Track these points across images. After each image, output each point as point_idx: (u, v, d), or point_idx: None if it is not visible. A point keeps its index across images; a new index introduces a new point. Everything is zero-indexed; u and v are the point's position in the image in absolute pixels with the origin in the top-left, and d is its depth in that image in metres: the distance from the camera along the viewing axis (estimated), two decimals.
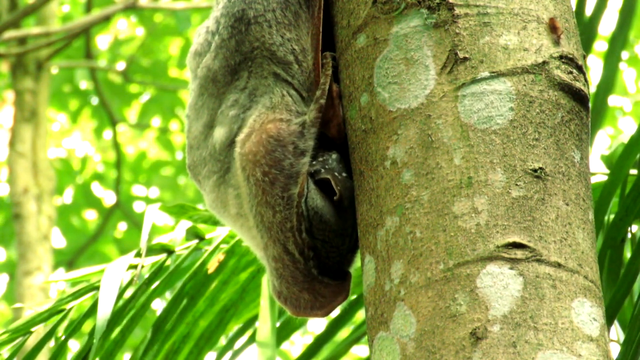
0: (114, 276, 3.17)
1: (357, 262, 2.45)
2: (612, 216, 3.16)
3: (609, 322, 2.92)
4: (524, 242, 2.16)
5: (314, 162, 2.40)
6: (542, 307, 2.13)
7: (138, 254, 3.31)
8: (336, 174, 2.37)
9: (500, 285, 2.14)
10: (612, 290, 2.99)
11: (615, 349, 3.12)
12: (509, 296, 2.13)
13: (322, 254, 2.39)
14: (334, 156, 2.39)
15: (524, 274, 2.15)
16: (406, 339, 2.17)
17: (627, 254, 3.20)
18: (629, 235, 3.17)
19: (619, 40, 3.82)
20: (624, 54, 10.58)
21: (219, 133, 2.49)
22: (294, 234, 2.38)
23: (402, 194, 2.24)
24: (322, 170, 2.38)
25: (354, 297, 3.43)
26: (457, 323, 2.13)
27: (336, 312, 3.53)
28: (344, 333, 3.99)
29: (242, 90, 2.48)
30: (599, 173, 3.41)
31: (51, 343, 3.32)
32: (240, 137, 2.44)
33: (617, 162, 3.03)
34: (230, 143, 2.48)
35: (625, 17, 3.85)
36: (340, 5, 2.40)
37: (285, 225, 2.38)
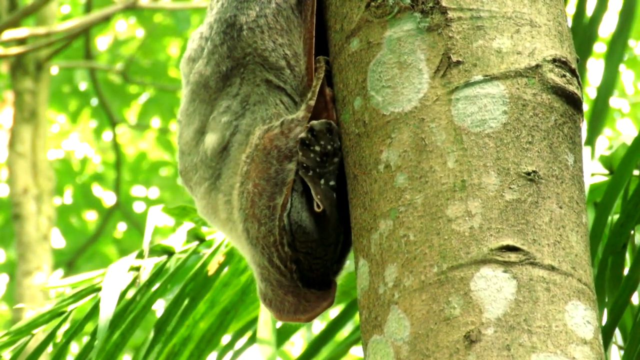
0: (115, 277, 3.17)
1: (344, 271, 2.45)
2: (615, 216, 3.16)
3: (611, 327, 2.92)
4: (518, 245, 2.17)
5: (310, 150, 2.37)
6: (536, 310, 2.13)
7: (139, 256, 3.32)
8: (322, 181, 2.36)
9: (494, 289, 2.14)
10: (614, 295, 2.98)
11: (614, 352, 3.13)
12: (503, 299, 2.13)
13: (305, 266, 2.39)
14: (336, 160, 2.38)
15: (518, 277, 2.15)
16: (400, 342, 2.17)
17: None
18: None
19: (619, 42, 3.82)
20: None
21: (211, 139, 2.49)
22: (277, 248, 2.37)
23: (396, 197, 2.24)
24: (310, 172, 2.37)
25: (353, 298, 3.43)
26: (451, 326, 2.13)
27: (336, 313, 3.53)
28: (344, 333, 4.00)
29: (234, 96, 2.47)
30: (599, 174, 3.41)
31: (52, 345, 3.32)
32: (242, 157, 2.44)
33: (621, 164, 3.02)
34: (222, 150, 2.48)
35: (625, 19, 3.85)
36: (333, 10, 2.40)
37: (268, 239, 2.38)
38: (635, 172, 3.18)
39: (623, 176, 3.01)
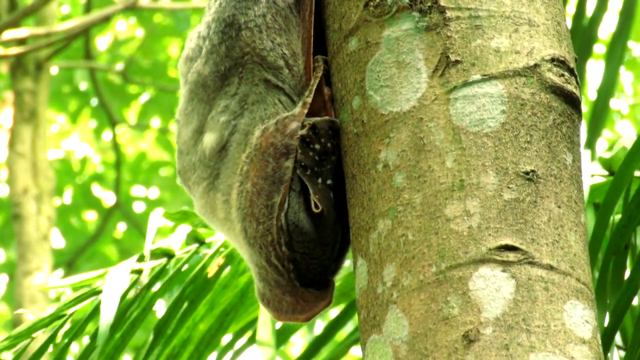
0: (116, 281, 3.17)
1: (343, 270, 2.45)
2: (617, 217, 3.16)
3: (613, 327, 2.92)
4: (516, 244, 2.17)
5: (310, 149, 2.37)
6: (535, 310, 2.13)
7: (140, 259, 3.32)
8: (319, 180, 2.36)
9: (492, 288, 2.14)
10: (615, 297, 2.97)
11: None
12: (502, 299, 2.13)
13: (302, 266, 2.39)
14: (333, 158, 2.38)
15: (516, 277, 2.15)
16: (399, 342, 2.17)
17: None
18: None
19: (618, 44, 3.82)
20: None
21: (209, 139, 2.49)
22: (274, 247, 2.37)
23: (394, 197, 2.24)
24: (309, 171, 2.37)
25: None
26: (450, 326, 2.13)
27: (335, 314, 3.54)
28: (343, 334, 4.00)
29: (232, 96, 2.47)
30: (598, 175, 3.41)
31: (52, 346, 3.33)
32: (242, 157, 2.44)
33: (622, 165, 3.01)
34: (220, 149, 2.48)
35: (625, 20, 3.85)
36: (331, 9, 2.40)
37: (266, 238, 2.37)
38: (637, 173, 3.18)
39: (624, 177, 3.01)
